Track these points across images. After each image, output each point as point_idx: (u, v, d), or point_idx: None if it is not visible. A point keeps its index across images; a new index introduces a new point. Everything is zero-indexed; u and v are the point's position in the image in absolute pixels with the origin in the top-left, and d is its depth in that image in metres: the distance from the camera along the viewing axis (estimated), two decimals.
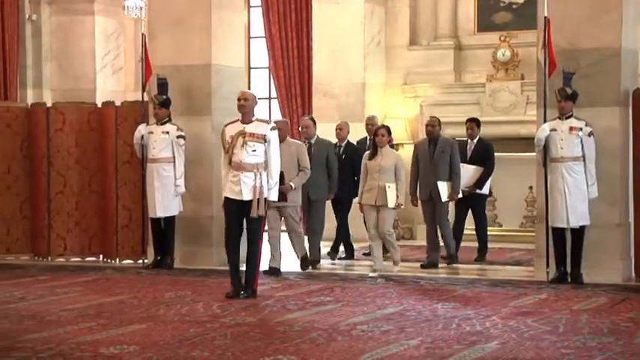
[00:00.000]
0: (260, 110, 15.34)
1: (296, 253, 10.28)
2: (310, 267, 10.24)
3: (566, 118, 9.07)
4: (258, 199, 8.16)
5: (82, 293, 8.71)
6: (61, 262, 11.05)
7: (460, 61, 13.68)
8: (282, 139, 9.61)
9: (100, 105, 11.33)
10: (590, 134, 9.02)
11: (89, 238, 11.18)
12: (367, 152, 9.96)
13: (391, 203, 9.67)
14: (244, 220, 8.28)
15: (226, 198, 8.31)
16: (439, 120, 10.70)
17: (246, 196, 8.17)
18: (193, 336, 6.67)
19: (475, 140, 11.03)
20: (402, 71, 13.80)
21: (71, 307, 7.86)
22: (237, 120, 8.37)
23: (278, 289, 8.92)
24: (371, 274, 9.64)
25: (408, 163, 10.57)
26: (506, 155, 13.22)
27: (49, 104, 11.73)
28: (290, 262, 10.39)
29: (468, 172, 10.79)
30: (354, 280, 9.49)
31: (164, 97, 10.21)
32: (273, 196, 8.39)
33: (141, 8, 13.39)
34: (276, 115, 14.79)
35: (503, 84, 13.20)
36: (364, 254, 11.21)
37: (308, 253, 10.28)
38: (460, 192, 10.59)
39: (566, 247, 9.12)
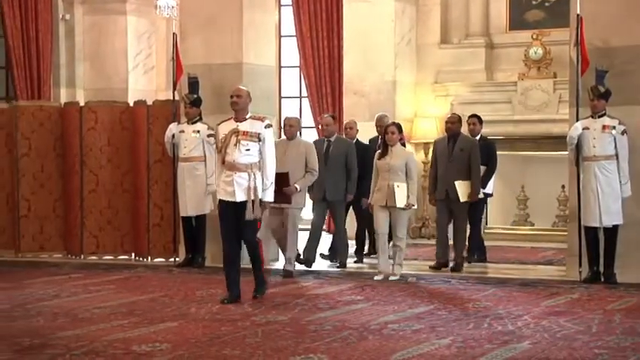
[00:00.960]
0: (290, 109, 15.44)
1: (286, 259, 9.74)
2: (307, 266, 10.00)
3: (599, 117, 9.00)
4: (253, 200, 7.84)
5: (114, 291, 8.76)
6: (94, 260, 11.12)
7: (492, 60, 13.60)
8: (291, 137, 9.60)
9: (131, 104, 11.39)
10: (623, 132, 8.94)
11: (121, 237, 11.24)
12: (378, 151, 9.60)
13: (399, 203, 9.23)
14: (239, 222, 7.95)
15: (220, 200, 8.04)
16: (459, 117, 10.32)
17: (240, 197, 7.86)
18: (224, 334, 6.69)
19: (477, 138, 10.57)
20: (433, 70, 13.74)
21: (104, 305, 7.91)
22: (231, 118, 8.08)
23: (309, 287, 8.92)
24: (376, 278, 9.31)
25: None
26: (539, 154, 13.19)
27: (81, 103, 11.81)
28: (322, 261, 10.39)
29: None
30: (384, 280, 9.45)
31: (195, 96, 10.25)
32: (269, 197, 8.02)
33: (173, 8, 13.44)
34: (307, 114, 14.80)
35: (535, 82, 13.10)
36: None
37: (292, 267, 9.69)
38: (480, 192, 10.19)
39: (599, 246, 9.04)
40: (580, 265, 9.16)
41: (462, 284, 9.18)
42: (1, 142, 11.51)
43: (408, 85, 13.66)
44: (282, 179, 8.87)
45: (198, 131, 10.19)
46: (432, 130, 13.33)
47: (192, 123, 10.27)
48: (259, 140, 7.90)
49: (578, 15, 9.02)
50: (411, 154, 9.73)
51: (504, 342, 6.35)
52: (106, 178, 11.22)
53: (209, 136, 10.09)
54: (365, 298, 8.37)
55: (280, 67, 15.38)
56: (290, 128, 9.70)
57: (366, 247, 11.10)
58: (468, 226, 10.30)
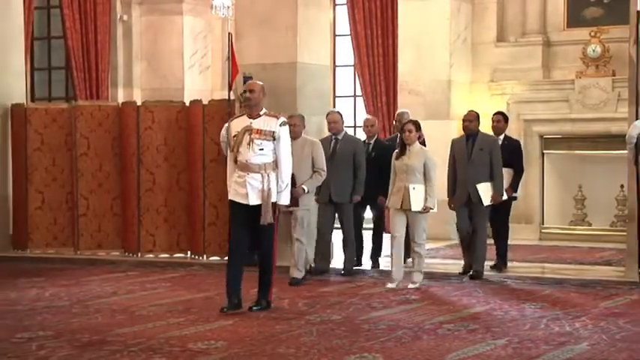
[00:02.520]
0: (344, 108, 15.41)
1: (296, 264, 9.01)
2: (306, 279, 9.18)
3: None
4: (268, 204, 7.31)
5: (170, 289, 8.84)
6: (150, 258, 11.22)
7: (549, 58, 13.43)
8: (295, 136, 8.83)
9: (187, 103, 11.48)
10: None
11: (177, 235, 11.33)
12: (396, 151, 8.96)
13: (415, 206, 8.62)
14: (253, 227, 7.42)
15: (231, 201, 7.48)
16: (477, 114, 9.56)
17: (253, 200, 7.32)
18: (279, 332, 6.71)
19: (501, 137, 9.90)
20: (489, 68, 13.62)
21: (160, 303, 7.98)
22: (244, 114, 7.57)
23: (363, 287, 8.90)
24: (389, 285, 8.75)
25: None
26: (597, 153, 13.01)
27: (138, 103, 11.93)
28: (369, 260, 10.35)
29: (505, 176, 9.62)
30: (439, 279, 9.40)
31: None
32: (284, 199, 7.48)
33: (228, 7, 13.50)
34: (361, 113, 14.79)
35: (593, 80, 12.91)
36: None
37: (304, 277, 9.10)
38: (504, 194, 9.48)
39: None
40: (639, 266, 9.00)
41: (518, 284, 9.09)
42: (61, 141, 11.68)
43: (463, 83, 13.57)
44: None
45: None
46: (487, 129, 13.18)
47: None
48: (274, 139, 7.38)
49: (637, 12, 8.88)
50: (429, 154, 8.91)
51: (561, 343, 6.28)
52: (162, 177, 11.32)
53: None
54: (419, 298, 8.34)
55: (335, 66, 15.38)
56: (294, 127, 8.90)
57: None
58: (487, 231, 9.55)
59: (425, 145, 9.52)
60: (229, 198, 7.49)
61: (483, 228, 9.37)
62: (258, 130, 7.36)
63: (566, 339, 6.42)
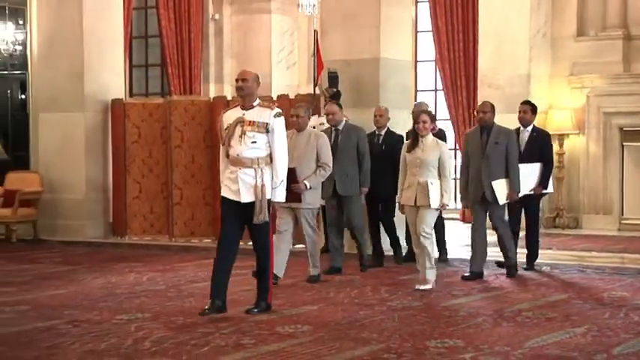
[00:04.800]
0: (427, 103, 15.32)
1: (309, 264, 8.38)
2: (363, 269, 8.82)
3: None
4: (261, 201, 6.56)
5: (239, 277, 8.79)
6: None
7: (629, 51, 13.09)
8: (300, 129, 8.28)
9: (275, 98, 11.55)
10: None
11: None
12: (406, 143, 8.07)
13: (434, 204, 7.78)
14: (245, 226, 6.77)
15: (223, 198, 6.70)
16: (493, 105, 8.60)
17: (245, 197, 6.55)
18: (362, 318, 6.71)
19: (529, 128, 9.01)
20: (568, 62, 13.35)
21: (249, 288, 7.98)
22: (238, 105, 6.77)
23: (443, 275, 8.83)
24: (417, 287, 7.92)
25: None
26: None
27: (229, 98, 12.06)
28: (454, 249, 10.27)
29: (533, 172, 8.81)
30: (518, 267, 9.27)
31: (335, 90, 10.30)
32: (279, 196, 6.73)
33: (314, 6, 13.56)
34: (442, 107, 14.69)
35: None
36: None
37: (319, 274, 8.42)
38: (525, 192, 8.66)
39: None
40: None
41: (597, 274, 8.91)
42: (157, 134, 11.89)
43: (542, 77, 13.34)
44: (288, 175, 7.47)
45: (322, 123, 10.21)
46: (566, 122, 13.04)
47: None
48: (267, 131, 6.59)
49: None
50: (445, 147, 8.01)
51: None
52: None
53: (320, 124, 10.09)
54: (498, 286, 8.25)
55: (416, 61, 15.29)
56: (298, 119, 8.30)
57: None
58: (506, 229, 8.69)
59: (445, 138, 8.87)
60: (221, 194, 6.72)
61: (504, 225, 8.54)
62: (250, 121, 6.58)
63: None
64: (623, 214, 12.90)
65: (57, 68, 12.15)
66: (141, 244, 11.57)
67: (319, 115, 10.49)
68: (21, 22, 12.95)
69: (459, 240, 10.60)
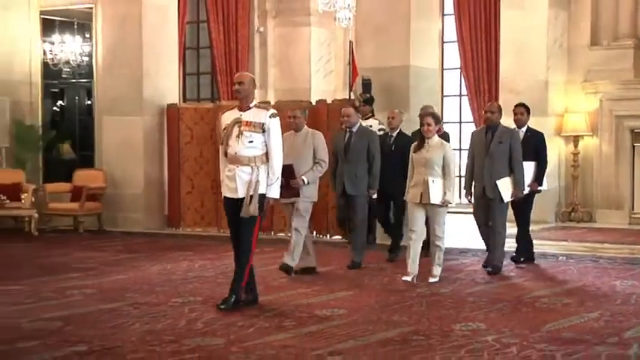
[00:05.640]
0: (451, 107, 15.25)
1: (291, 252, 7.94)
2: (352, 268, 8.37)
3: None
4: (252, 195, 6.23)
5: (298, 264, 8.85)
6: (282, 236, 11.31)
7: (639, 59, 12.91)
8: (297, 129, 8.04)
9: (314, 102, 11.54)
10: None
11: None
12: (414, 144, 7.85)
13: (434, 199, 7.49)
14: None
15: (224, 197, 6.49)
16: (500, 106, 8.31)
17: (242, 193, 6.30)
18: (393, 303, 6.69)
19: (524, 129, 8.67)
20: (583, 69, 13.19)
21: (287, 276, 8.04)
22: (235, 107, 6.51)
23: (467, 264, 8.78)
24: (404, 279, 7.60)
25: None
26: None
27: (272, 102, 12.07)
28: (473, 240, 10.20)
29: (528, 170, 8.46)
30: (536, 257, 9.17)
31: (368, 95, 10.28)
32: (274, 193, 6.40)
33: (349, 19, 13.53)
34: (466, 110, 14.60)
35: None
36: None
37: (292, 267, 7.97)
38: (525, 189, 8.29)
39: None
40: None
41: (609, 264, 8.80)
42: (207, 136, 11.93)
43: (559, 83, 13.19)
44: (287, 172, 7.42)
45: (371, 126, 10.19)
46: (581, 124, 12.91)
47: (366, 119, 10.29)
48: (263, 131, 6.32)
49: None
50: (449, 148, 7.72)
51: None
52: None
53: (380, 130, 10.07)
54: (518, 275, 8.18)
55: (443, 69, 15.19)
56: (295, 119, 8.04)
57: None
58: (509, 225, 8.47)
59: (448, 139, 8.50)
60: (223, 195, 6.51)
61: (500, 223, 8.15)
62: (247, 122, 6.33)
63: None
64: (633, 209, 12.72)
65: (119, 76, 12.25)
66: (193, 235, 11.63)
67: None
68: (87, 35, 13.06)
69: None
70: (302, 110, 8.25)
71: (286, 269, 7.96)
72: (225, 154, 6.41)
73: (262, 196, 6.33)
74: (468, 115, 14.52)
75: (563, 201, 13.09)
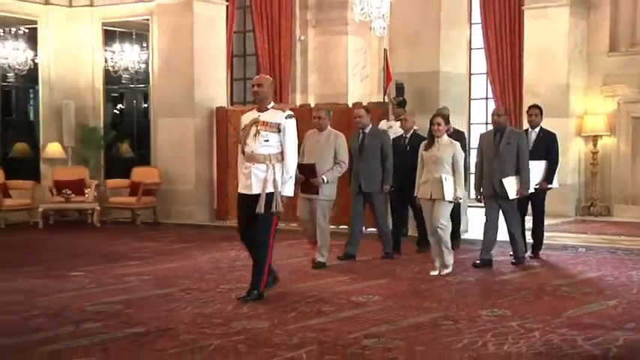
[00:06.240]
0: (477, 109, 15.11)
1: (317, 253, 7.88)
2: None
3: None
4: (272, 193, 6.05)
5: (336, 253, 8.78)
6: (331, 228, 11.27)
7: None
8: (321, 129, 7.83)
9: (350, 105, 11.51)
10: None
11: (340, 210, 11.26)
12: (424, 142, 7.62)
13: (448, 196, 7.29)
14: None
15: (238, 194, 6.26)
16: (506, 110, 7.95)
17: (256, 189, 6.08)
18: (424, 290, 6.66)
19: (537, 129, 8.43)
20: (602, 74, 12.98)
21: (329, 265, 8.03)
22: (254, 108, 6.34)
23: (493, 254, 8.69)
24: (432, 273, 7.44)
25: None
26: None
27: (312, 105, 12.06)
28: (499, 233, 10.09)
29: (539, 169, 8.22)
30: (558, 248, 9.08)
31: (401, 98, 10.22)
32: (288, 191, 6.15)
33: (384, 28, 13.45)
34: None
35: None
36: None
37: (325, 262, 7.86)
38: (531, 188, 8.00)
39: None
40: None
41: (626, 255, 8.66)
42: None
43: (579, 87, 13.00)
44: (308, 170, 7.40)
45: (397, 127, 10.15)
46: (600, 125, 12.74)
47: (398, 120, 10.25)
48: (279, 131, 6.12)
49: None
50: (458, 146, 7.49)
51: None
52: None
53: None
54: (540, 265, 8.10)
55: (470, 74, 15.05)
56: (319, 120, 7.85)
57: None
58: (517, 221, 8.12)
59: (463, 138, 8.22)
60: (238, 191, 6.28)
61: (513, 219, 7.94)
62: (264, 122, 6.13)
63: None
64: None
65: (172, 82, 12.34)
66: None
67: (387, 120, 10.42)
68: (144, 45, 13.18)
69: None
70: (326, 111, 8.05)
71: (319, 266, 7.84)
72: (243, 152, 6.23)
73: (273, 195, 6.09)
74: (482, 118, 14.37)
75: (583, 196, 12.92)
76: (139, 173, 12.55)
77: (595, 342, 4.93)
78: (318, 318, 5.62)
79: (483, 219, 8.11)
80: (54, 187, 12.20)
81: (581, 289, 6.72)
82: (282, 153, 6.12)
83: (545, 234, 8.62)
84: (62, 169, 12.66)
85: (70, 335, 5.18)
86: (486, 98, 15.13)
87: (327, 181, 7.64)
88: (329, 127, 7.90)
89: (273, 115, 6.15)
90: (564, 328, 5.28)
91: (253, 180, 6.09)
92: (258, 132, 6.09)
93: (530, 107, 8.76)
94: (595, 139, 12.79)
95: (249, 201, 6.12)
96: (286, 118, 6.15)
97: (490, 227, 7.99)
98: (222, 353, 4.70)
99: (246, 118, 6.25)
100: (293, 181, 6.19)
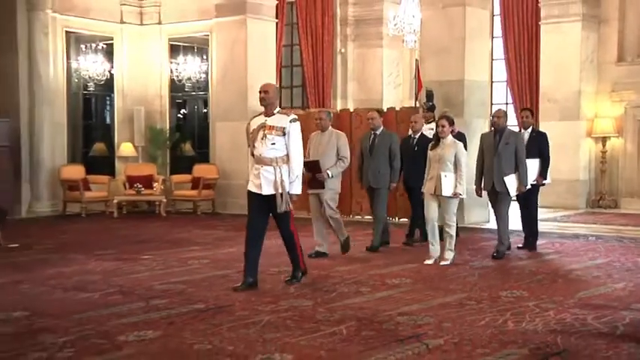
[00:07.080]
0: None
1: (338, 237, 7.74)
2: (370, 250, 7.94)
3: None
4: (282, 194, 5.89)
5: (367, 242, 8.66)
6: (358, 218, 11.31)
7: None
8: (323, 129, 7.63)
9: (385, 110, 11.45)
10: None
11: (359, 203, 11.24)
12: (431, 143, 7.47)
13: (445, 192, 7.09)
14: (269, 215, 6.05)
15: (248, 191, 6.05)
16: (505, 112, 7.82)
17: (266, 190, 5.91)
18: (450, 274, 6.62)
19: (529, 130, 8.12)
20: (611, 82, 12.74)
21: (362, 250, 8.00)
22: (262, 113, 6.10)
23: (513, 242, 8.57)
24: (426, 262, 7.19)
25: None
26: None
27: (351, 110, 12.04)
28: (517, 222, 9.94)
29: (533, 166, 7.91)
30: (570, 237, 8.94)
31: (430, 103, 10.14)
32: (296, 189, 5.98)
33: (415, 41, 13.39)
34: (512, 117, 14.24)
35: None
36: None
37: (347, 238, 7.74)
38: (529, 185, 7.73)
39: None
40: None
41: (632, 243, 8.49)
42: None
43: (590, 93, 12.78)
44: (313, 167, 7.28)
45: (432, 129, 10.05)
46: (608, 127, 12.52)
47: (428, 123, 10.16)
48: (284, 134, 5.91)
49: None
50: (461, 146, 7.27)
51: None
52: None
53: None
54: (555, 251, 7.97)
55: (492, 82, 14.87)
56: (320, 121, 7.65)
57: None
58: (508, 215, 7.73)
59: (464, 139, 8.05)
60: (247, 188, 6.05)
61: (506, 213, 7.60)
62: (270, 126, 5.92)
63: None
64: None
65: (229, 90, 12.43)
66: None
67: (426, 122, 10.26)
68: (204, 57, 13.30)
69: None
70: (327, 113, 7.87)
71: (344, 250, 7.70)
72: (252, 154, 6.02)
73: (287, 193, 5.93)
74: (512, 120, 14.17)
75: (593, 191, 12.72)
76: (199, 170, 12.68)
77: (604, 320, 4.86)
78: (356, 297, 5.63)
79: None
80: (127, 181, 12.39)
81: (592, 273, 6.61)
82: (287, 155, 5.92)
83: (559, 224, 8.58)
84: (134, 166, 12.86)
85: (142, 310, 5.26)
86: (506, 103, 14.91)
87: (332, 176, 7.49)
88: (330, 127, 7.73)
89: (279, 120, 5.96)
90: (576, 308, 5.21)
91: (262, 181, 5.91)
92: (265, 136, 5.91)
93: (522, 110, 8.53)
94: (604, 139, 12.58)
95: (259, 199, 5.96)
96: (291, 122, 5.95)
97: (500, 220, 7.66)
98: (272, 328, 4.74)
99: (254, 123, 6.05)
100: (300, 180, 6.03)
